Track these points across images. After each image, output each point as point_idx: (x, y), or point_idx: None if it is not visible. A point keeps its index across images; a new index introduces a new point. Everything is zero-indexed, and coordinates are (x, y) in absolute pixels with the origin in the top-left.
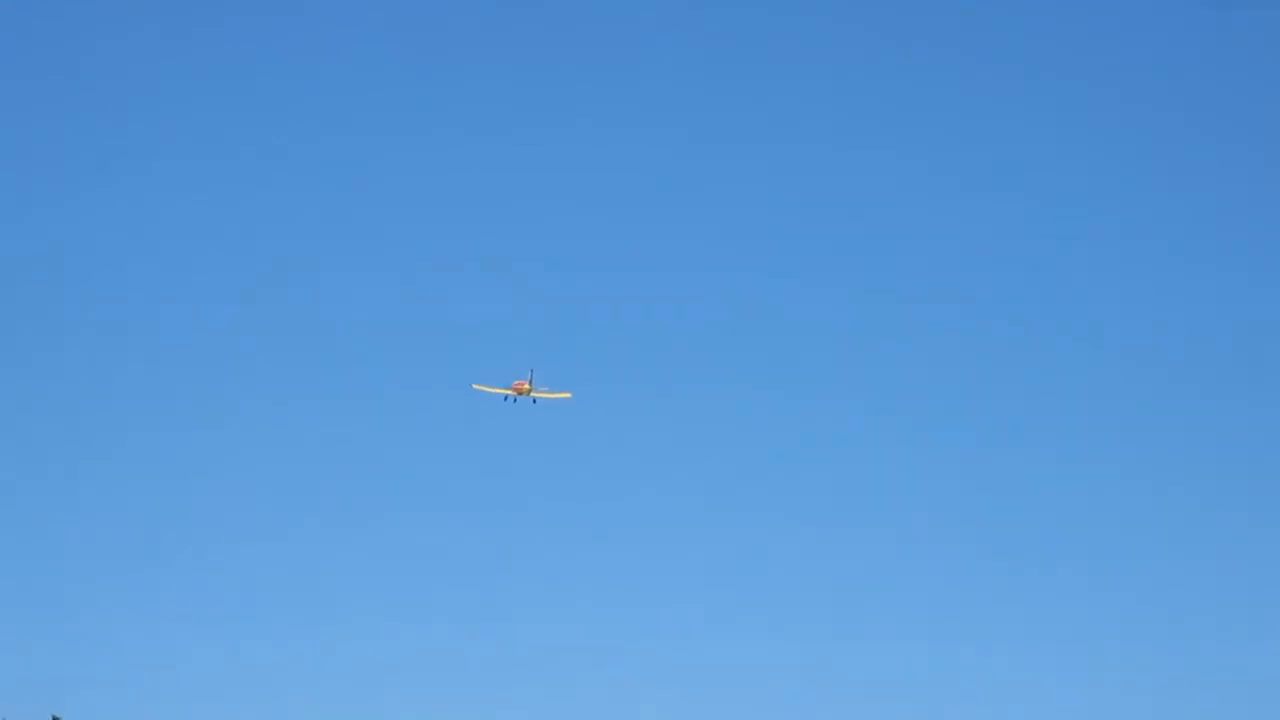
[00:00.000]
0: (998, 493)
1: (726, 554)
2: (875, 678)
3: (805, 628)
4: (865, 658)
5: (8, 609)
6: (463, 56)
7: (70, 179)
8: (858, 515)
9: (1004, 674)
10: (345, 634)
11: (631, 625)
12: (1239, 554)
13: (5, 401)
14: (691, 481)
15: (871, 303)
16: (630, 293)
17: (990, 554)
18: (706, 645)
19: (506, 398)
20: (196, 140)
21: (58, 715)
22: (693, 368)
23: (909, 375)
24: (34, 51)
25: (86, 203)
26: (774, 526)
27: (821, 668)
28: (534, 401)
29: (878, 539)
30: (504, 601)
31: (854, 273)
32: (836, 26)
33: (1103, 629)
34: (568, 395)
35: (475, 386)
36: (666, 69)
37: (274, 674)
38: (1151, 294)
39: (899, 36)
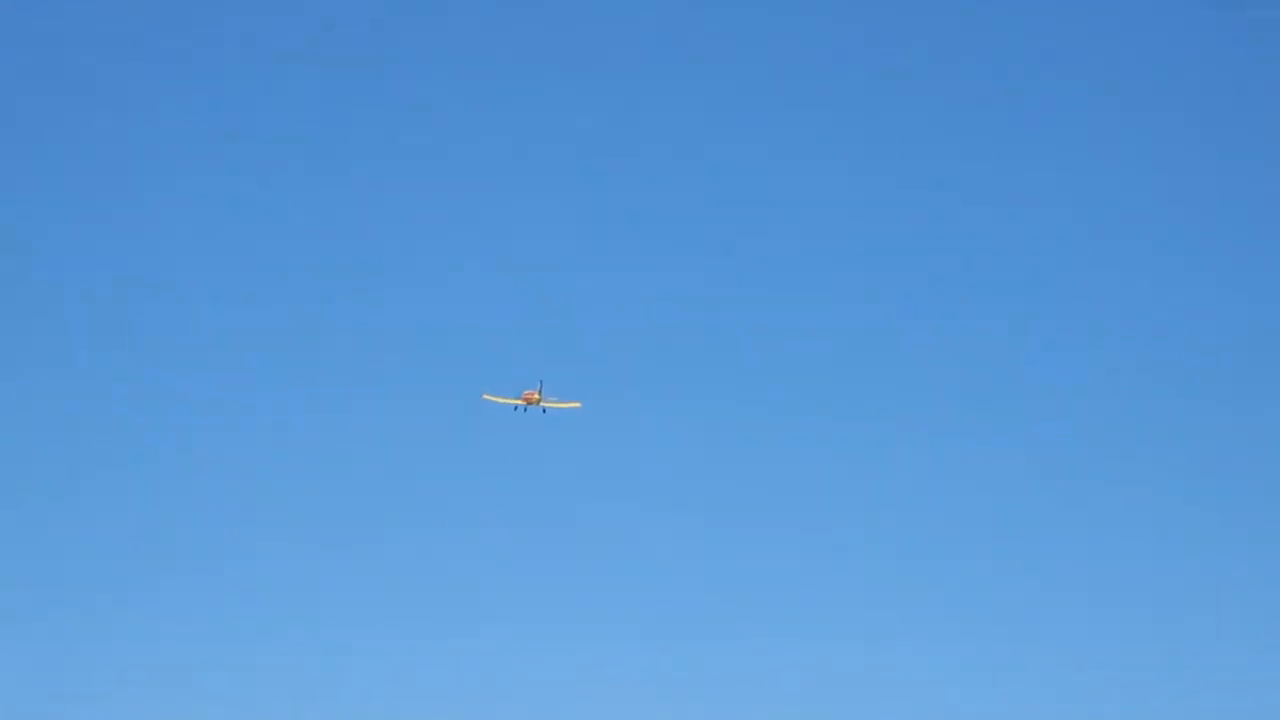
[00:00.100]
0: (1026, 502)
1: (740, 563)
2: (896, 689)
3: (822, 637)
4: (886, 668)
5: (9, 610)
6: (472, 57)
7: (77, 181)
8: (875, 524)
9: (1013, 679)
10: (351, 645)
11: (643, 635)
12: (1240, 554)
13: (25, 405)
14: (702, 491)
15: (894, 312)
16: (641, 301)
17: (1021, 566)
18: (720, 655)
19: (516, 408)
20: (201, 142)
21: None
22: (703, 378)
23: (928, 384)
24: (33, 51)
25: (98, 205)
26: (790, 536)
27: (840, 678)
28: (544, 411)
29: (897, 548)
30: (514, 612)
31: (876, 282)
32: (837, 26)
33: (1104, 630)
34: (577, 405)
35: (485, 396)
36: (679, 73)
37: (282, 685)
38: (1151, 295)
39: (899, 36)
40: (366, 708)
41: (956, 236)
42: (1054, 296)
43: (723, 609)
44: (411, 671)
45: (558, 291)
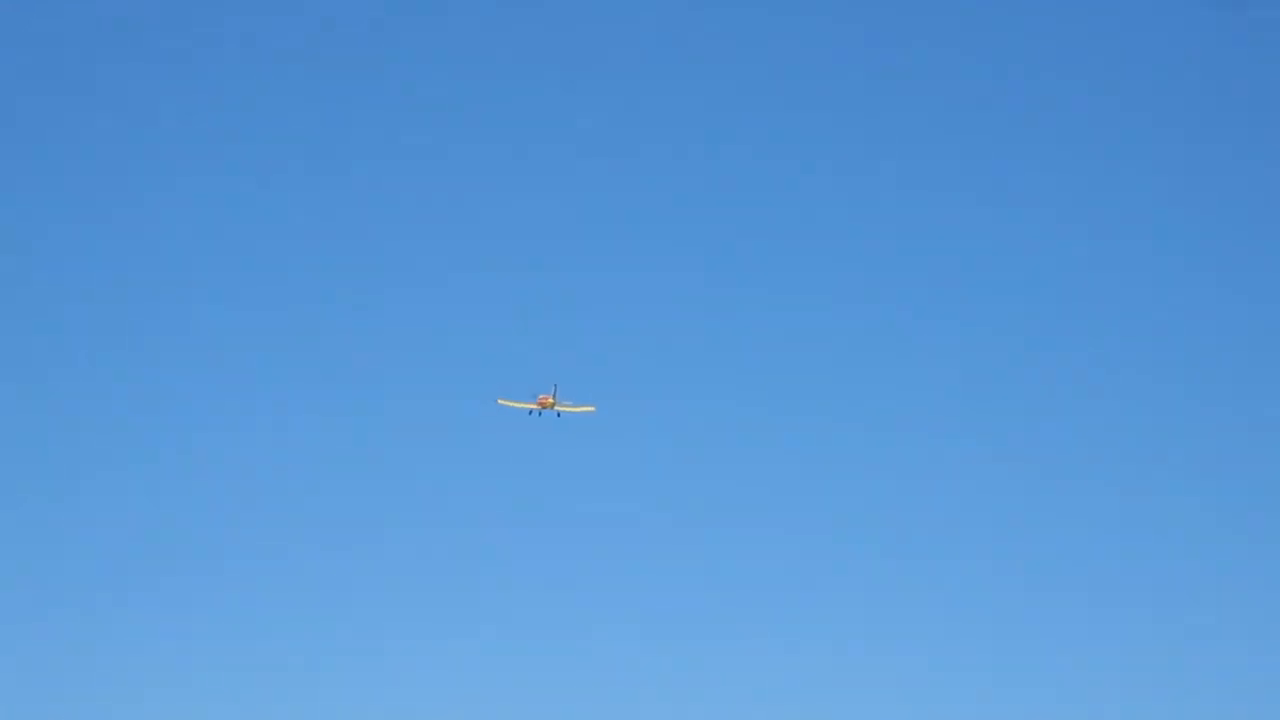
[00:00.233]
0: (1027, 503)
1: (753, 565)
2: (912, 691)
3: (837, 639)
4: (890, 668)
5: (9, 610)
6: (472, 57)
7: (77, 180)
8: (890, 526)
9: (1013, 679)
10: (351, 646)
11: (657, 636)
12: (1240, 554)
13: (35, 408)
14: (715, 493)
15: (894, 311)
16: (640, 302)
17: (1021, 566)
18: (734, 657)
19: (531, 412)
20: (201, 142)
21: None
22: (714, 380)
23: (941, 385)
24: (34, 51)
25: (98, 205)
26: (803, 539)
27: (845, 678)
28: (558, 415)
29: (913, 549)
30: (530, 614)
31: (876, 282)
32: (837, 26)
33: (1104, 631)
34: (591, 409)
35: (500, 401)
36: (679, 73)
37: (283, 685)
38: (1151, 295)
39: (899, 36)
40: (367, 708)
41: (961, 236)
42: (1054, 296)
43: (733, 609)
44: (412, 672)
45: (557, 292)
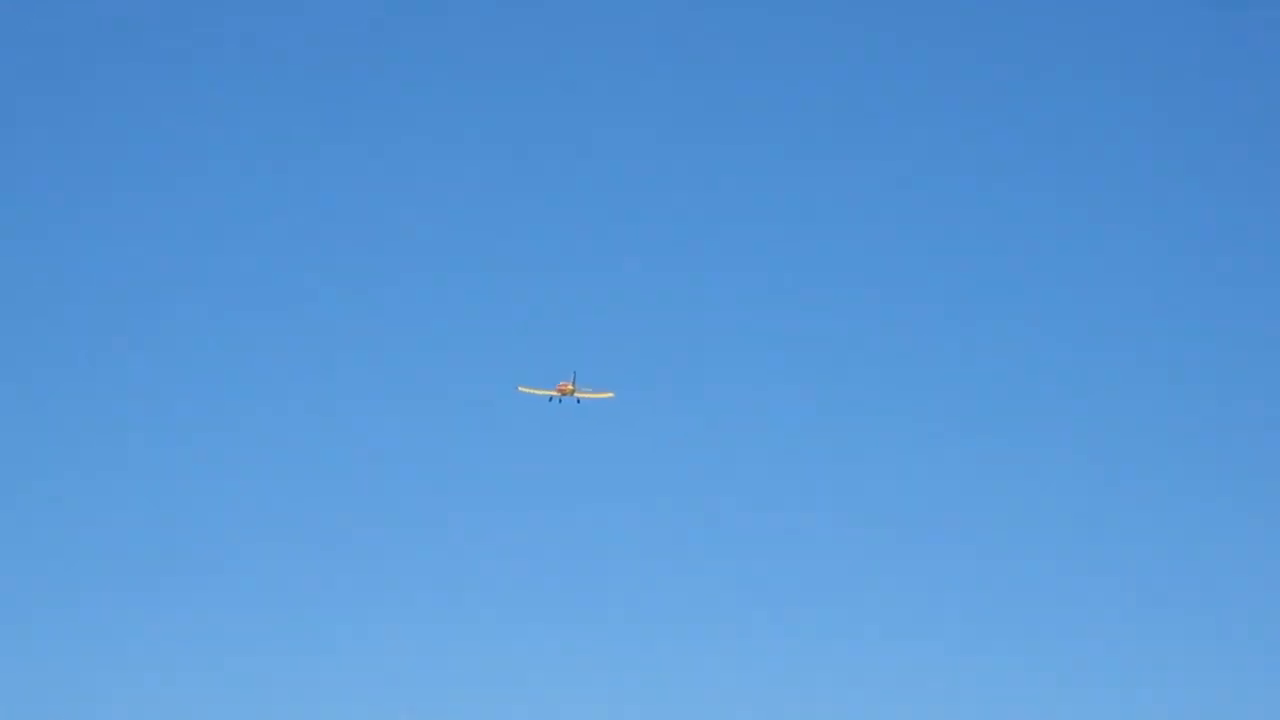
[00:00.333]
0: (1030, 502)
1: (771, 554)
2: (927, 684)
3: (856, 630)
4: (898, 667)
5: (10, 614)
6: (472, 57)
7: (77, 180)
8: (909, 518)
9: (1013, 678)
10: (353, 645)
11: (674, 626)
12: (1241, 554)
13: (39, 406)
14: (733, 481)
15: (894, 311)
16: (671, 292)
17: (1022, 565)
18: (753, 647)
19: (551, 399)
20: (201, 142)
21: None
22: (734, 367)
23: (960, 377)
24: (34, 51)
25: (98, 205)
26: (821, 528)
27: (853, 677)
28: (578, 402)
29: (932, 542)
30: (547, 603)
31: (875, 282)
32: (837, 26)
33: (1105, 629)
34: (610, 395)
35: (521, 389)
36: (679, 73)
37: (283, 686)
38: (1151, 294)
39: (900, 36)
40: (366, 708)
41: (971, 231)
42: (1054, 296)
43: (758, 599)
44: (414, 671)
45: (557, 291)
